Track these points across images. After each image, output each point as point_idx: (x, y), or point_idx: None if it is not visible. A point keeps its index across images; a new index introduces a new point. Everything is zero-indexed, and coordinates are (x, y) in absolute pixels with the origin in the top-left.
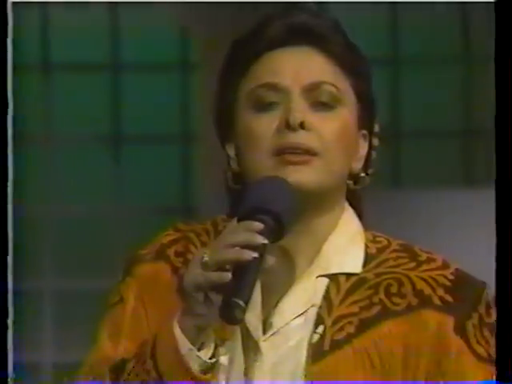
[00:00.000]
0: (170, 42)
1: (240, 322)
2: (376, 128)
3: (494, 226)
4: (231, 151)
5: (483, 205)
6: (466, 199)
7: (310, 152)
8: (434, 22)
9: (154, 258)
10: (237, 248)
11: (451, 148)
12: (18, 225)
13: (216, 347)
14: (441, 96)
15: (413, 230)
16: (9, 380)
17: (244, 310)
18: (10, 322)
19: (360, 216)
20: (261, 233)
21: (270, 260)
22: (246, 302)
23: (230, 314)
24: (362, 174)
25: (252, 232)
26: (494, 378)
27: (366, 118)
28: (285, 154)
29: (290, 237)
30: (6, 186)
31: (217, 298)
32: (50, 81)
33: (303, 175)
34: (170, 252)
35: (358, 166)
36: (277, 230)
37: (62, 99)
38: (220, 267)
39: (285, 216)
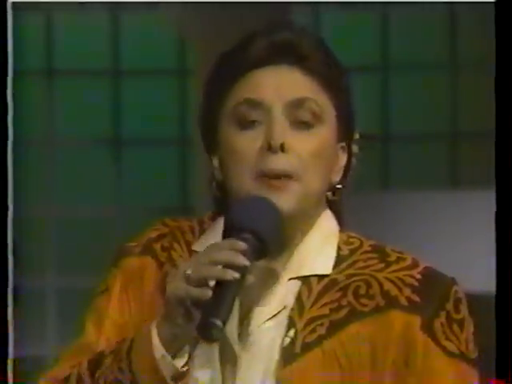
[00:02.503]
0: (169, 49)
1: (217, 340)
2: (356, 136)
3: (480, 226)
4: (216, 162)
5: (469, 205)
6: (452, 200)
7: (289, 175)
8: (423, 27)
9: (140, 252)
10: (220, 267)
11: (439, 151)
12: (23, 225)
13: (190, 357)
14: (428, 100)
15: (400, 230)
16: (8, 375)
17: (221, 330)
18: (10, 319)
19: (340, 221)
20: (244, 253)
21: (250, 279)
22: (224, 322)
23: (208, 333)
24: (339, 186)
25: (235, 252)
26: (470, 373)
27: (345, 131)
28: (266, 177)
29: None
30: (7, 188)
31: (196, 314)
32: (52, 85)
33: (282, 200)
34: (157, 246)
35: (336, 178)
36: (260, 249)
37: (64, 103)
38: (202, 283)
39: (268, 236)
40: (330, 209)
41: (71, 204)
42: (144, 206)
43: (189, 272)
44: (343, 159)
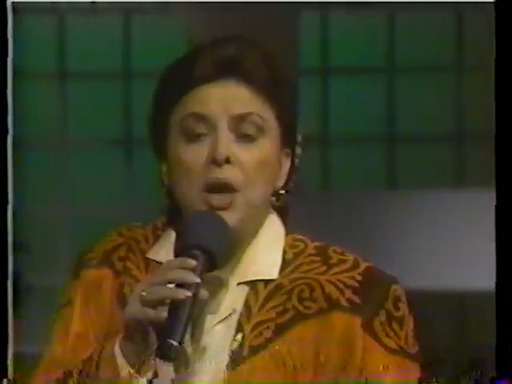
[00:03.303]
0: (180, 50)
1: (175, 359)
2: (298, 150)
3: (484, 225)
4: (164, 168)
5: (474, 204)
6: (457, 199)
7: (233, 188)
8: (429, 29)
9: (98, 263)
10: (172, 287)
11: (444, 151)
12: (35, 225)
13: (156, 369)
14: (434, 101)
15: (406, 228)
16: (8, 373)
17: (178, 349)
18: (10, 316)
19: (286, 224)
20: (194, 269)
21: (204, 294)
22: (180, 342)
23: (166, 354)
24: (282, 192)
25: (186, 270)
26: (410, 367)
27: (288, 138)
28: (211, 193)
29: None
30: (7, 188)
31: (153, 334)
32: (64, 87)
33: (228, 216)
34: (113, 257)
35: (279, 184)
36: (209, 263)
37: (75, 104)
38: (157, 304)
39: (217, 250)
40: (277, 212)
41: (82, 204)
42: (154, 206)
43: (144, 293)
44: (287, 164)
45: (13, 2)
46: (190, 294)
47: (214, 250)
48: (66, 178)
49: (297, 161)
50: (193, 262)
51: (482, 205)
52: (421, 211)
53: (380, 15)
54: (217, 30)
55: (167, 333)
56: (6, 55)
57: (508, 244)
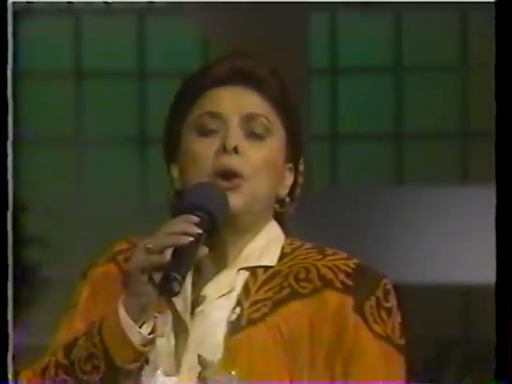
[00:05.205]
0: (193, 50)
1: (177, 294)
2: (301, 168)
3: (488, 221)
4: (175, 172)
5: (479, 201)
6: (462, 196)
7: (239, 175)
8: (435, 28)
9: (104, 262)
10: (176, 235)
11: (450, 148)
12: (55, 220)
13: (155, 325)
14: (441, 100)
15: (414, 223)
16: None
17: (180, 283)
18: (9, 315)
19: (284, 231)
20: (196, 225)
21: (204, 250)
22: (183, 277)
23: (169, 287)
24: (287, 200)
25: (189, 223)
26: (395, 356)
27: (292, 152)
28: (219, 178)
29: (220, 240)
30: (7, 185)
31: (158, 276)
32: (81, 87)
33: (232, 198)
34: (120, 257)
35: (283, 192)
36: (211, 225)
37: (92, 103)
38: (161, 251)
39: (218, 214)
40: (276, 220)
41: (97, 201)
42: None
43: (149, 245)
44: (290, 179)
45: (28, 3)
46: (192, 239)
47: (216, 214)
48: (81, 175)
49: (298, 190)
50: (195, 218)
51: (488, 201)
52: (427, 207)
53: (387, 15)
54: (229, 30)
55: (171, 267)
56: (6, 55)
57: (508, 239)
